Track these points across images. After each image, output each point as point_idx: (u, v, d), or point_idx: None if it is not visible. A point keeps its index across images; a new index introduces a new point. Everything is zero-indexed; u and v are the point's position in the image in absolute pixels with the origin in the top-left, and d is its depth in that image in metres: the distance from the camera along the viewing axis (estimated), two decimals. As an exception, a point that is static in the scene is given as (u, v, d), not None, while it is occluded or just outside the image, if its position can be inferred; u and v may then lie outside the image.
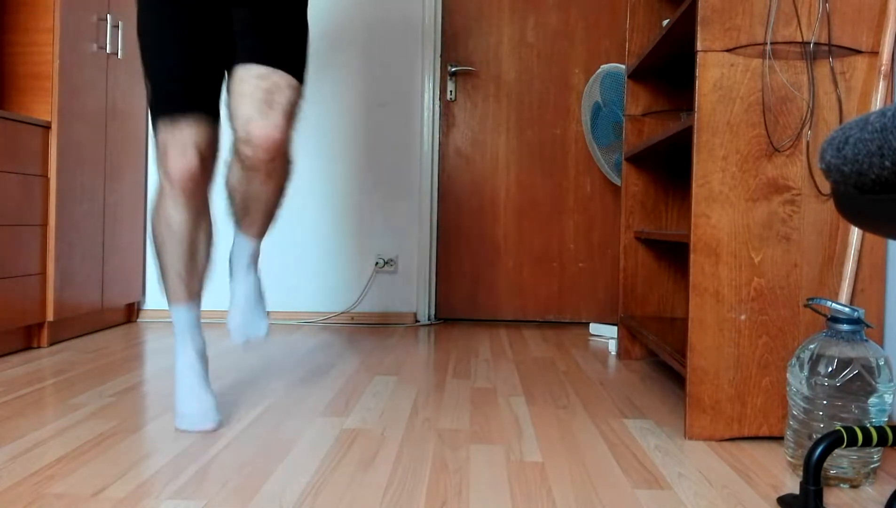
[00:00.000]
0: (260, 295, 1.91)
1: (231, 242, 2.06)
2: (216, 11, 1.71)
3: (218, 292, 3.34)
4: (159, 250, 1.77)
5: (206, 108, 1.69)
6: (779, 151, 1.71)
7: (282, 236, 3.59)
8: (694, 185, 1.72)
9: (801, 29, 1.71)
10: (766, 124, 1.71)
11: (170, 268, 1.76)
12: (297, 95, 1.70)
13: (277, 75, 1.67)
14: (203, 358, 1.82)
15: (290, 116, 1.69)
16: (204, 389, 1.76)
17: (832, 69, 1.71)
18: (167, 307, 3.54)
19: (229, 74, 1.76)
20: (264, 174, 1.73)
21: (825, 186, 1.71)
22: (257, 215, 1.84)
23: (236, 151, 1.73)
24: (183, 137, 1.65)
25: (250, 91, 1.66)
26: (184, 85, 1.66)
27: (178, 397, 1.76)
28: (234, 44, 1.73)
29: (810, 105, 1.71)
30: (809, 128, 1.71)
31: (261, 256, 3.54)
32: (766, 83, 1.71)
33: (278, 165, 1.73)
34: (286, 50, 1.69)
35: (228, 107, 1.71)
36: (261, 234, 1.91)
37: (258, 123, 1.65)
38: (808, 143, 1.71)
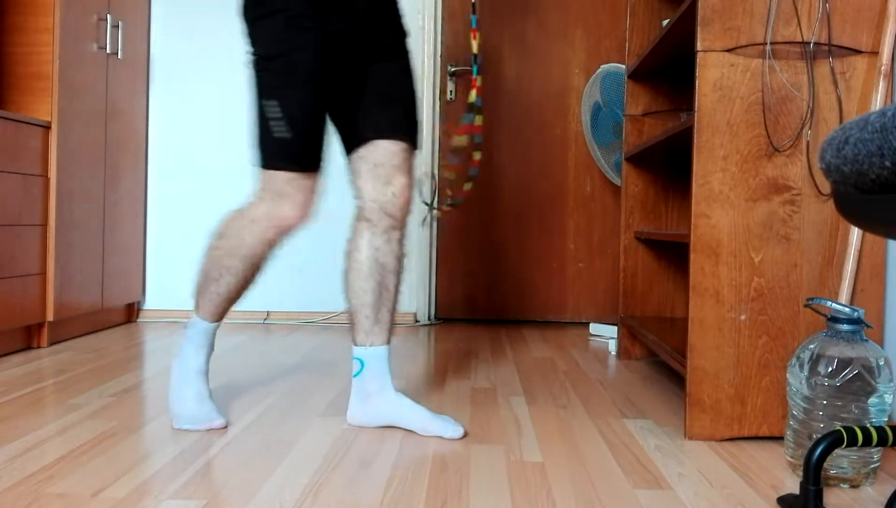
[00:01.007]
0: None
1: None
2: (354, 71, 1.77)
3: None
4: (218, 275, 1.76)
5: (323, 161, 1.79)
6: (779, 151, 1.71)
7: (282, 236, 3.59)
8: (694, 185, 1.72)
9: (801, 29, 1.71)
10: (766, 124, 1.71)
11: (224, 292, 1.78)
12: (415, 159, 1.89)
13: (408, 148, 1.82)
14: (208, 365, 1.86)
15: (414, 178, 1.88)
16: (208, 394, 1.80)
17: (832, 69, 1.71)
18: (170, 307, 3.59)
19: (350, 131, 1.84)
20: (400, 233, 1.83)
21: (825, 186, 1.71)
22: (389, 295, 1.83)
23: (370, 218, 1.80)
24: (305, 185, 1.74)
25: (388, 161, 1.80)
26: (315, 146, 1.74)
27: (180, 399, 1.77)
28: (362, 106, 1.81)
29: (810, 105, 1.71)
30: (809, 128, 1.71)
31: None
32: (766, 83, 1.71)
33: (406, 224, 1.85)
34: (413, 121, 1.84)
35: (358, 172, 1.82)
36: (390, 334, 1.86)
37: (397, 182, 1.80)
38: (808, 143, 1.71)
